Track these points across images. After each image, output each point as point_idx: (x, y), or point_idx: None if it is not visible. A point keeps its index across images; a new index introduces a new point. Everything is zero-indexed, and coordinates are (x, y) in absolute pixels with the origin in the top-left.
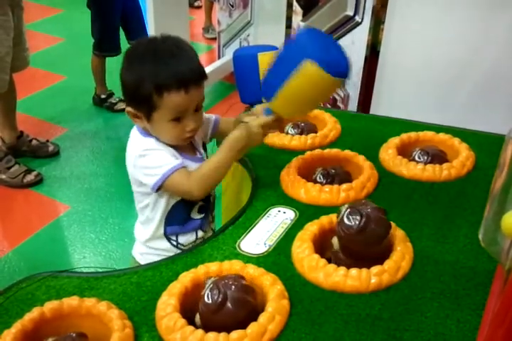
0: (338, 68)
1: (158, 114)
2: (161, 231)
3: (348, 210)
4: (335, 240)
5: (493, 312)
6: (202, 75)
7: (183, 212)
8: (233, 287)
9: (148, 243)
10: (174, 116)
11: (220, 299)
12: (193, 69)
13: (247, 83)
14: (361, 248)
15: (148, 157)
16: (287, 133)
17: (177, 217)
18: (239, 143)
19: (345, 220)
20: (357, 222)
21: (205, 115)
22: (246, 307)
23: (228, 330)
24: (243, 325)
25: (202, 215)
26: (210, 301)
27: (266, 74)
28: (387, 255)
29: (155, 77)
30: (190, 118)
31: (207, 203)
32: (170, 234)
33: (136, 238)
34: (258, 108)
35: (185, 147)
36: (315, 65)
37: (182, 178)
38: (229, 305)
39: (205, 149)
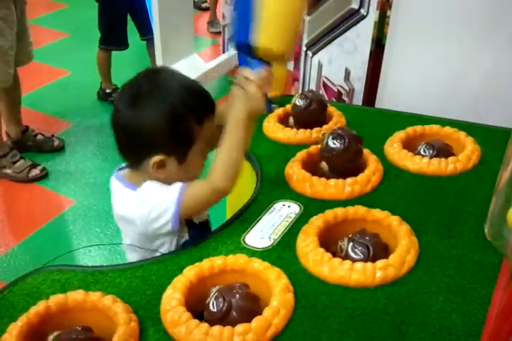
0: None
1: (194, 149)
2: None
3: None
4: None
5: (499, 306)
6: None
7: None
8: (237, 295)
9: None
10: (205, 146)
11: (224, 308)
12: (205, 90)
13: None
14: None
15: (150, 197)
16: (292, 127)
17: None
18: (242, 117)
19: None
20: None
21: None
22: (250, 315)
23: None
24: None
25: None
26: (215, 310)
27: (234, 21)
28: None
29: (191, 107)
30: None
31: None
32: None
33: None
34: (244, 72)
35: None
36: None
37: (196, 187)
38: (234, 313)
39: None
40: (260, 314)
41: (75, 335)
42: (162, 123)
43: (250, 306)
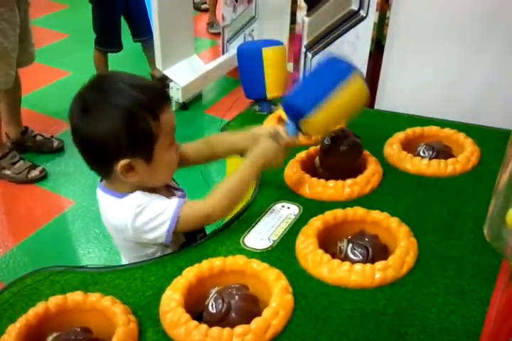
0: (366, 82)
1: (159, 145)
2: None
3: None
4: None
5: (498, 308)
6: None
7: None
8: (237, 297)
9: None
10: (171, 138)
11: (224, 309)
12: (153, 83)
13: (252, 78)
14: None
15: (146, 211)
16: None
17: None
18: (260, 163)
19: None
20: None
21: None
22: (250, 316)
23: None
24: None
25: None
26: (214, 311)
27: (292, 96)
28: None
29: (141, 104)
30: (173, 136)
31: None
32: None
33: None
34: (279, 127)
35: (163, 190)
36: (361, 78)
37: (195, 207)
38: (233, 314)
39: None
40: (259, 315)
41: (73, 336)
42: (117, 128)
43: (249, 307)
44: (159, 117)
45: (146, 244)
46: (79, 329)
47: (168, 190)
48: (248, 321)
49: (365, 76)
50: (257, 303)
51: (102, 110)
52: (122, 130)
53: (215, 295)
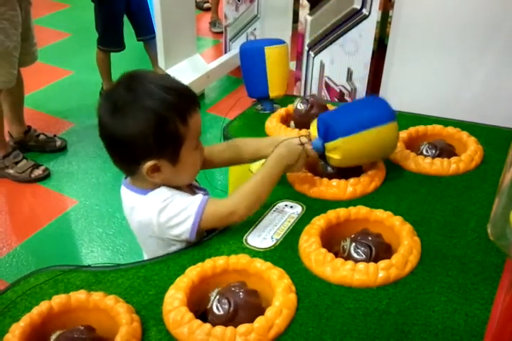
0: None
1: (185, 147)
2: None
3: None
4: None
5: (502, 307)
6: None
7: None
8: (241, 294)
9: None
10: (197, 141)
11: (231, 309)
12: (183, 85)
13: (254, 77)
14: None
15: (170, 206)
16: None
17: None
18: (284, 162)
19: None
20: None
21: None
22: (257, 310)
23: None
24: None
25: None
26: (221, 312)
27: (332, 115)
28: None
29: (171, 107)
30: (199, 139)
31: None
32: None
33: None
34: (305, 139)
35: (186, 189)
36: (396, 127)
37: (218, 204)
38: (241, 311)
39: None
40: (262, 308)
41: (77, 334)
42: (146, 129)
43: (254, 302)
44: (187, 120)
45: (170, 241)
46: (82, 328)
47: (191, 190)
48: (255, 316)
49: (367, 75)
50: (258, 297)
51: (131, 111)
52: (151, 132)
53: (218, 296)
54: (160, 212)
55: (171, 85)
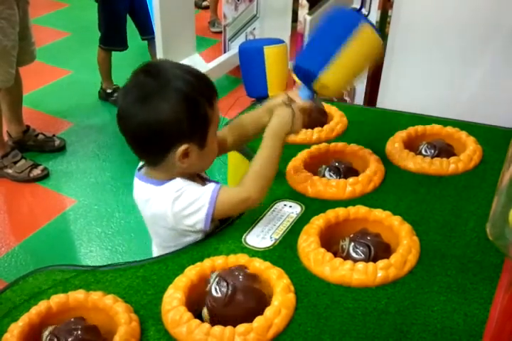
0: (379, 31)
1: (210, 131)
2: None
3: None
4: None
5: (500, 306)
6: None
7: None
8: (240, 277)
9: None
10: (217, 127)
11: (230, 291)
12: (202, 72)
13: (253, 76)
14: None
15: (184, 195)
16: None
17: None
18: (281, 131)
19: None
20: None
21: None
22: (256, 295)
23: (239, 321)
24: (254, 315)
25: None
26: (219, 294)
27: (300, 57)
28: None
29: (199, 90)
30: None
31: None
32: None
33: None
34: (291, 93)
35: (198, 180)
36: (370, 26)
37: (230, 191)
38: (240, 295)
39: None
40: (264, 294)
41: (70, 326)
42: (180, 113)
43: (254, 286)
44: (213, 104)
45: (184, 232)
46: (73, 319)
47: (203, 182)
48: (254, 300)
49: (367, 74)
50: (258, 281)
51: (162, 94)
52: (184, 113)
53: (217, 278)
54: (174, 201)
55: (192, 71)
